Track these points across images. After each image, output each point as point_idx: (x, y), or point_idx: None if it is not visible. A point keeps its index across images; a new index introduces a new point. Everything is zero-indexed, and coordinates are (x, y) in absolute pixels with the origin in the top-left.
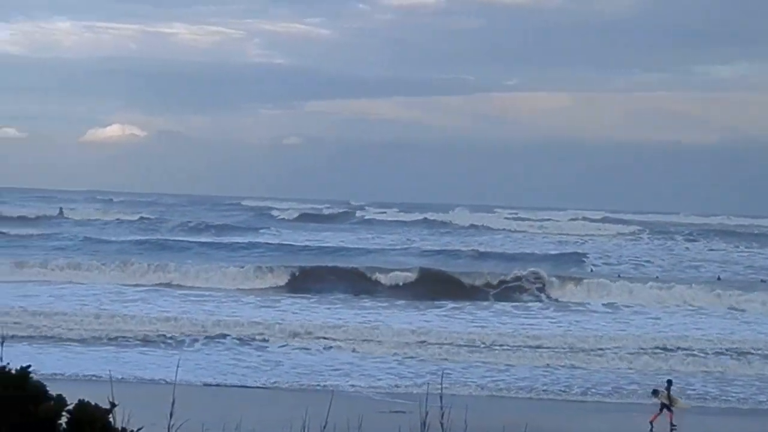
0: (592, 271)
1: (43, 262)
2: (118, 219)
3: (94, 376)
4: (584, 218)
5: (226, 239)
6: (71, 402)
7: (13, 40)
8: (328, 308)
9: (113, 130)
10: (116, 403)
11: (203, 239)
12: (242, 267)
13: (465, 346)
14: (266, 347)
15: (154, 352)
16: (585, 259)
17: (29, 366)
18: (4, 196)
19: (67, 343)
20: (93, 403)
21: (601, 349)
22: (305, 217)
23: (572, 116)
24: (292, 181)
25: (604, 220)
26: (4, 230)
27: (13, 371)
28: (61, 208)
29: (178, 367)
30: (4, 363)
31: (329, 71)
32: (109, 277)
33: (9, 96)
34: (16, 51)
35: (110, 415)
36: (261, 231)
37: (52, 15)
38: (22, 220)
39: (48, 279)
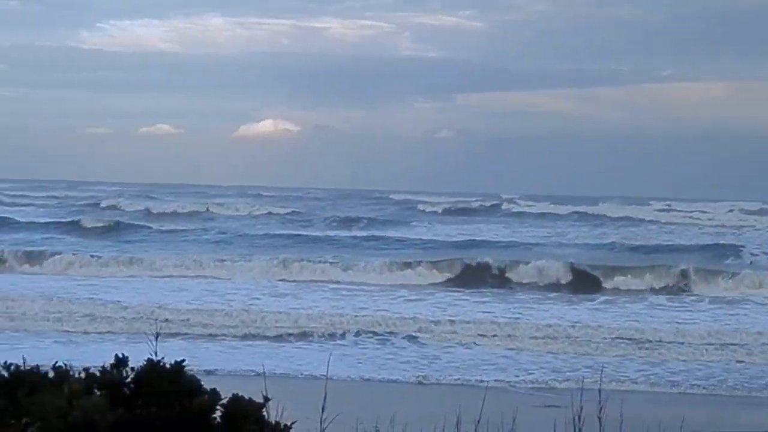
0: (751, 263)
1: (194, 258)
2: (268, 213)
3: (248, 371)
4: (741, 210)
5: (376, 233)
6: (225, 396)
7: (167, 37)
8: (480, 302)
9: (266, 126)
10: (270, 397)
11: (353, 233)
12: (392, 261)
13: (618, 339)
14: (420, 341)
15: (308, 347)
16: (742, 251)
17: (183, 360)
18: (155, 191)
19: (222, 338)
20: (247, 398)
21: (759, 344)
22: (454, 211)
23: (728, 106)
24: (441, 175)
25: (761, 211)
26: (155, 225)
27: (168, 365)
28: (207, 204)
29: (329, 361)
30: (159, 357)
31: (481, 64)
32: (260, 271)
33: (164, 93)
34: (170, 48)
35: (264, 409)
36: (411, 225)
37: (205, 12)
38: (174, 215)
39: (199, 274)
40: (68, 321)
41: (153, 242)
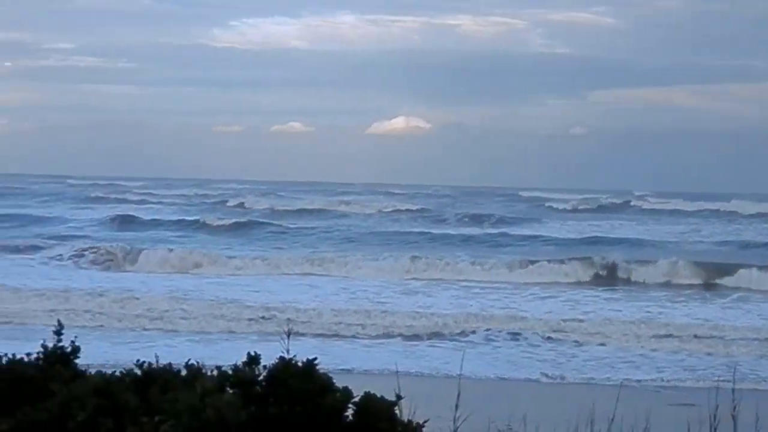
0: None
1: (324, 255)
2: (397, 210)
3: (381, 369)
4: None
5: (506, 230)
6: (357, 395)
7: (299, 35)
8: (612, 299)
9: (398, 123)
10: (402, 395)
11: (484, 230)
12: (523, 258)
13: (753, 338)
14: (552, 339)
15: (441, 345)
16: None
17: (315, 358)
18: (284, 189)
19: (353, 337)
20: (379, 396)
21: None
22: (584, 208)
23: None
24: (573, 172)
25: None
26: (284, 223)
27: (300, 363)
28: (336, 202)
29: (462, 359)
30: (290, 356)
31: (614, 60)
32: (390, 269)
33: (295, 90)
34: (302, 45)
35: (396, 408)
36: (541, 222)
37: (337, 10)
38: (302, 213)
39: (329, 272)
40: (199, 319)
41: (281, 240)
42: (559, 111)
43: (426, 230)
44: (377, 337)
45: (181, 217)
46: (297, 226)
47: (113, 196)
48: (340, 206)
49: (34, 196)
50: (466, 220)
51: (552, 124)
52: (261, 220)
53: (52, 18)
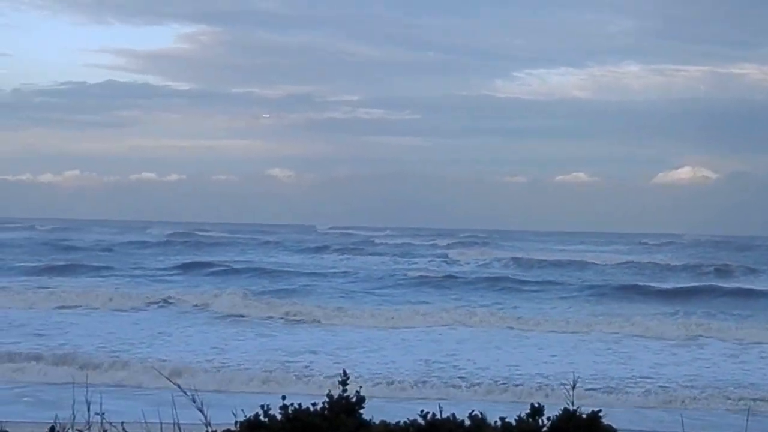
0: None
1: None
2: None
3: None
4: None
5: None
6: None
7: (582, 85)
8: None
9: (684, 173)
10: None
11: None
12: None
13: None
14: None
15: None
16: None
17: (600, 411)
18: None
19: (628, 396)
20: None
21: None
22: None
23: None
24: None
25: None
26: (529, 276)
27: (584, 416)
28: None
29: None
30: (574, 407)
31: None
32: (664, 328)
33: (579, 140)
34: (585, 95)
35: None
36: None
37: (621, 59)
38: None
39: (583, 329)
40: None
41: (524, 296)
42: None
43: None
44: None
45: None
46: (541, 280)
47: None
48: (588, 257)
49: (323, 247)
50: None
51: None
52: (504, 273)
53: (340, 71)
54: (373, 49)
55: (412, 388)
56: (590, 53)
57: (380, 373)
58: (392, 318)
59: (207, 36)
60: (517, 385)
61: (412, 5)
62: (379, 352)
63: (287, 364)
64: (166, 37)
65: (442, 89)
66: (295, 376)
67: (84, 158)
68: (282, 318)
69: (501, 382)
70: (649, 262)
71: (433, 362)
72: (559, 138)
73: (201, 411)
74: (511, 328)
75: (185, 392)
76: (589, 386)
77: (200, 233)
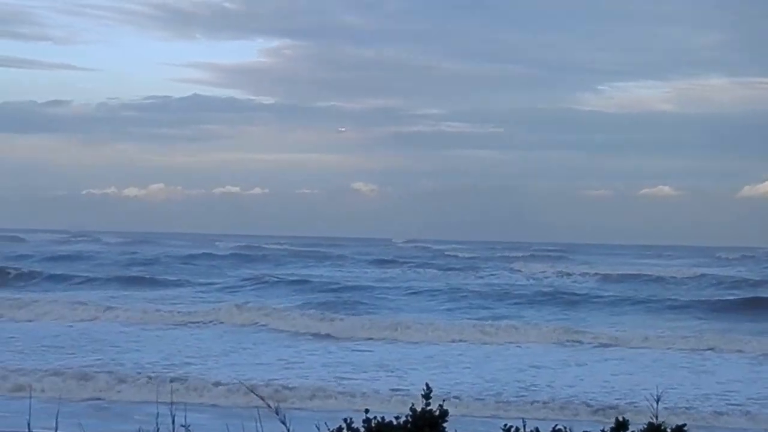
0: None
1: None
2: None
3: None
4: None
5: None
6: None
7: (667, 98)
8: None
9: None
10: None
11: None
12: None
13: None
14: None
15: None
16: None
17: (684, 425)
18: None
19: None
20: None
21: None
22: None
23: None
24: None
25: None
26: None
27: (669, 429)
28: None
29: None
30: (659, 421)
31: None
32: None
33: (663, 154)
34: (669, 109)
35: None
36: None
37: (707, 72)
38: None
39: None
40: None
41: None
42: None
43: None
44: None
45: (529, 291)
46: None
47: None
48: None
49: (390, 261)
50: None
51: None
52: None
53: (423, 85)
54: (457, 62)
55: (489, 404)
56: (675, 66)
57: (455, 389)
58: (462, 333)
59: (291, 50)
60: (595, 403)
61: (494, 20)
62: (451, 367)
63: (357, 381)
64: (250, 51)
65: (525, 103)
66: (366, 391)
67: (169, 172)
68: (343, 333)
69: (580, 398)
70: (727, 276)
71: (508, 379)
72: (643, 151)
73: (284, 423)
74: (580, 342)
75: (269, 405)
76: (675, 403)
77: (269, 246)
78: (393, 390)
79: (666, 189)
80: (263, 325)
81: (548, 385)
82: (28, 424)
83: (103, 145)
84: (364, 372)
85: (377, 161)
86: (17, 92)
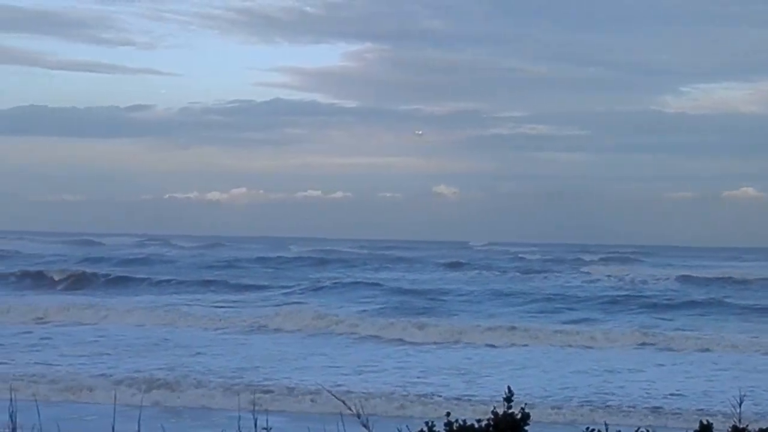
0: None
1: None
2: None
3: None
4: None
5: None
6: None
7: (749, 99)
8: None
9: None
10: None
11: None
12: None
13: None
14: None
15: None
16: None
17: (766, 429)
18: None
19: None
20: None
21: None
22: None
23: None
24: None
25: None
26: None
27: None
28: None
29: None
30: (742, 425)
31: None
32: None
33: (747, 155)
34: (752, 110)
35: None
36: None
37: None
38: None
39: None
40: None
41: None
42: None
43: None
44: None
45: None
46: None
47: None
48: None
49: (462, 264)
50: None
51: None
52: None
53: (504, 87)
54: (536, 65)
55: (568, 408)
56: (757, 68)
57: (533, 393)
58: (537, 337)
59: (373, 54)
60: (677, 407)
61: (573, 22)
62: (520, 371)
63: (434, 385)
64: (332, 55)
65: (606, 105)
66: (444, 395)
67: (251, 176)
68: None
69: (660, 401)
70: None
71: (585, 383)
72: (727, 153)
73: (366, 426)
74: (656, 345)
75: (350, 408)
76: (759, 407)
77: (344, 250)
78: (468, 395)
79: (750, 190)
80: (337, 331)
81: (624, 389)
82: (113, 428)
83: (186, 149)
84: (441, 376)
85: (459, 164)
86: (100, 98)
